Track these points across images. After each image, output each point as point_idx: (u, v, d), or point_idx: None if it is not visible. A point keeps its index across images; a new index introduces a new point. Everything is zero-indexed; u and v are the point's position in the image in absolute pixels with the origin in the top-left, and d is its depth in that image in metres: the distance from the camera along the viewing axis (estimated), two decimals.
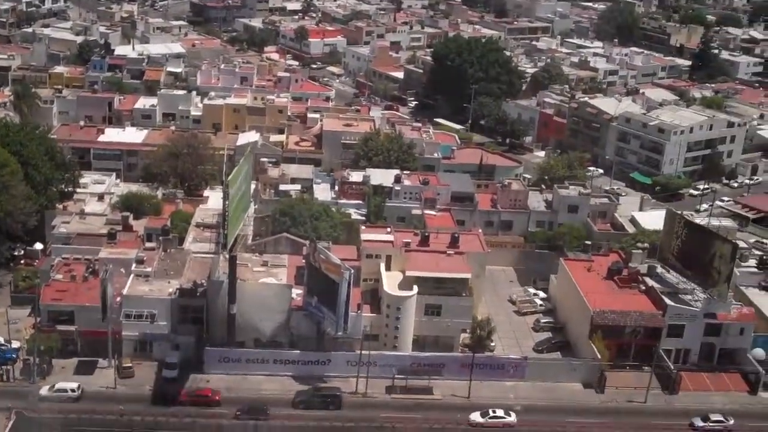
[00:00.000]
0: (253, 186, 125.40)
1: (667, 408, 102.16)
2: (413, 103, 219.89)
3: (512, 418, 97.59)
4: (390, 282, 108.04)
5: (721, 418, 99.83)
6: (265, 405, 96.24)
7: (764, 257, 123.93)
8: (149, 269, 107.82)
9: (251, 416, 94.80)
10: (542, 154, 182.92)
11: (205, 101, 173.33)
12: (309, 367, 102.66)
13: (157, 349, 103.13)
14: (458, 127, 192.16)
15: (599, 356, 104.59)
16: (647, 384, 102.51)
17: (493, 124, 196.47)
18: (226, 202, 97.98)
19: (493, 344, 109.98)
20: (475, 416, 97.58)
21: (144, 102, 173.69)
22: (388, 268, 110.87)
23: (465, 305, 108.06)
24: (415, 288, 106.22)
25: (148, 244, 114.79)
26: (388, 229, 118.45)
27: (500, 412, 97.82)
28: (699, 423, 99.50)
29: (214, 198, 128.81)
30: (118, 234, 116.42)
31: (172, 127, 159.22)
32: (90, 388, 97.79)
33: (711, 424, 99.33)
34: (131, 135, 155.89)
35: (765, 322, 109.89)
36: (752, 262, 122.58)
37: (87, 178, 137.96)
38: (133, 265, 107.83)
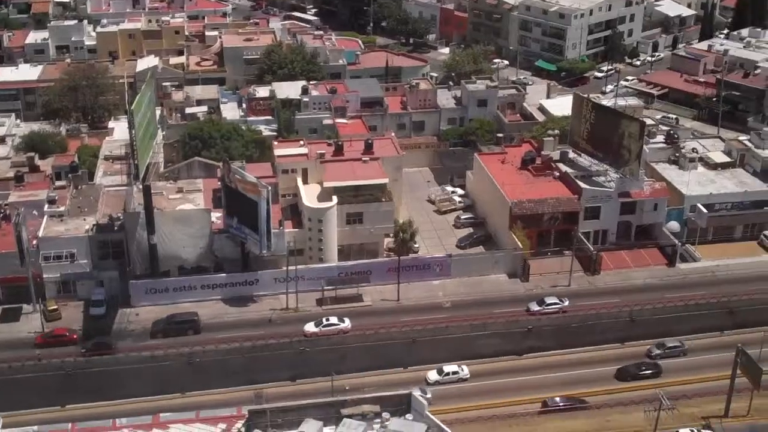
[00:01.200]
0: (158, 112, 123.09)
1: (591, 289, 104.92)
2: (313, 11, 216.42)
3: (346, 324, 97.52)
4: (309, 195, 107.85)
5: (557, 301, 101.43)
6: (111, 340, 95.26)
7: (671, 132, 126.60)
8: (62, 208, 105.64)
9: (98, 352, 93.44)
10: (447, 50, 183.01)
11: (98, 29, 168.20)
12: (237, 289, 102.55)
13: (81, 288, 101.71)
14: (313, 18, 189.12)
15: (521, 246, 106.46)
16: (569, 268, 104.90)
17: (395, 24, 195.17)
18: (133, 132, 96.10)
19: (416, 246, 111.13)
20: (310, 326, 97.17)
21: (35, 36, 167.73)
22: (305, 181, 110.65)
23: (386, 210, 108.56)
24: (335, 198, 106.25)
25: (58, 183, 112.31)
26: (301, 142, 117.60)
27: (333, 320, 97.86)
28: (535, 307, 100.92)
29: (119, 129, 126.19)
30: (26, 175, 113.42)
31: (68, 60, 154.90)
32: (18, 335, 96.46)
33: (546, 307, 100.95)
34: (26, 72, 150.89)
35: (677, 195, 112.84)
36: (660, 137, 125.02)
37: None
38: (46, 206, 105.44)
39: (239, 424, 69.85)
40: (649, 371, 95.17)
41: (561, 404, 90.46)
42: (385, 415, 68.83)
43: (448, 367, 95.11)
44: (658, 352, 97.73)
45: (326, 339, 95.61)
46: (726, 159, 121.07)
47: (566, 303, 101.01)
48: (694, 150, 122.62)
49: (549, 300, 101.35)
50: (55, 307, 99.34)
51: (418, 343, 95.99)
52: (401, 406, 71.08)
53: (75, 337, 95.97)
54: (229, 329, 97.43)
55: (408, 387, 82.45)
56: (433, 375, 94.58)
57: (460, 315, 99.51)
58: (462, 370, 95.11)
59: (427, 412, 69.86)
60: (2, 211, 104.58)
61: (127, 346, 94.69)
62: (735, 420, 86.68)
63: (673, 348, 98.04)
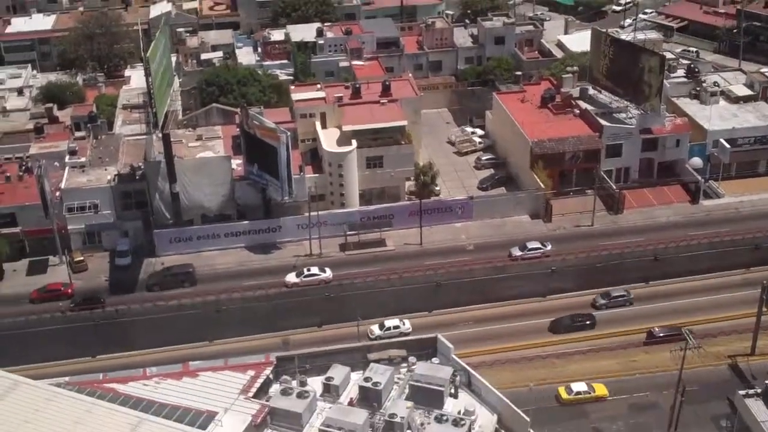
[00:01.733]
0: (174, 59, 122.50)
1: (614, 227, 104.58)
2: None
3: (327, 273, 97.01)
4: (328, 139, 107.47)
5: (539, 245, 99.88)
6: (100, 294, 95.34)
7: (692, 65, 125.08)
8: (83, 159, 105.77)
9: (86, 306, 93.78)
10: None
11: None
12: (261, 236, 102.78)
13: (106, 239, 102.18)
14: None
15: (542, 186, 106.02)
16: (592, 207, 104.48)
17: None
18: (150, 79, 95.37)
19: (438, 188, 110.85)
20: (291, 277, 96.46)
21: None
22: (324, 126, 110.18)
23: (405, 153, 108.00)
24: (354, 142, 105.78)
25: (78, 134, 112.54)
26: (318, 86, 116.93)
27: (314, 270, 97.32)
28: (517, 252, 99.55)
29: (136, 77, 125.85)
30: (45, 127, 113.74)
31: (81, 8, 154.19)
32: None
33: (528, 252, 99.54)
34: (39, 22, 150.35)
35: (699, 130, 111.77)
36: (680, 72, 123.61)
37: (2, 73, 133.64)
38: (67, 157, 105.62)
39: (267, 370, 70.28)
40: (586, 322, 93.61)
41: (662, 335, 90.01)
42: (412, 359, 69.17)
43: (389, 322, 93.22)
44: (603, 302, 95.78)
45: (351, 284, 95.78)
46: (748, 92, 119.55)
47: (549, 247, 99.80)
48: (715, 84, 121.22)
49: (531, 245, 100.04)
50: (81, 258, 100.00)
51: (443, 287, 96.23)
52: (427, 350, 71.37)
53: (70, 291, 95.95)
54: (254, 276, 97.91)
55: (434, 331, 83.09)
56: (376, 329, 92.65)
57: (484, 257, 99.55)
58: (403, 324, 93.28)
59: (454, 356, 70.24)
60: (24, 163, 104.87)
61: (142, 297, 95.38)
62: (762, 358, 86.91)
63: (618, 297, 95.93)
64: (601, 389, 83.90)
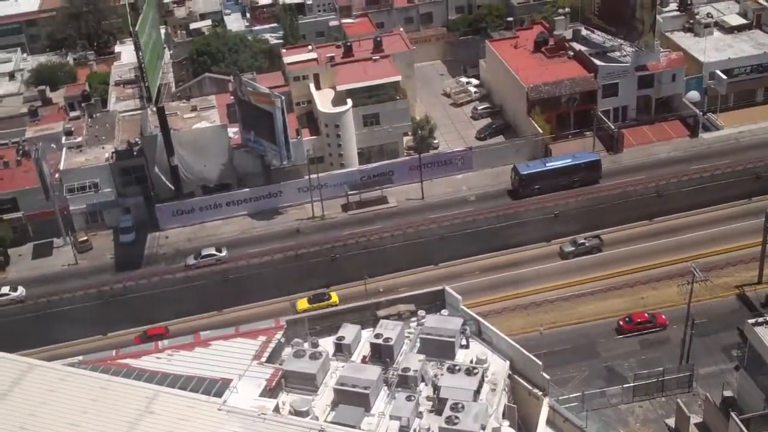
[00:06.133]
0: (162, 31, 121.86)
1: (615, 167, 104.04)
2: None
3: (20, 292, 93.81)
4: (323, 100, 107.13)
5: (213, 252, 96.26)
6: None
7: None
8: (80, 139, 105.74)
9: None
10: None
11: None
12: (262, 202, 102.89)
13: (108, 217, 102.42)
14: None
15: (541, 131, 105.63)
16: (592, 148, 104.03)
17: None
18: (140, 54, 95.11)
19: (436, 141, 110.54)
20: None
21: None
22: (318, 87, 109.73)
23: (401, 108, 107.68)
24: (349, 101, 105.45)
25: (72, 114, 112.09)
26: (310, 47, 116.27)
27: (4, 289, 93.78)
28: (191, 261, 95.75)
29: (126, 52, 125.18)
30: (39, 110, 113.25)
31: None
32: (52, 269, 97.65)
33: (201, 260, 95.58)
34: (25, 4, 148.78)
35: (694, 63, 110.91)
36: (673, 5, 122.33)
37: None
38: (63, 138, 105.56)
39: (279, 334, 70.26)
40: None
41: None
42: (421, 312, 69.08)
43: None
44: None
45: (356, 243, 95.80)
46: (742, 21, 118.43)
47: (224, 254, 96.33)
48: (708, 15, 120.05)
49: (205, 251, 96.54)
50: (85, 237, 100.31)
51: (447, 239, 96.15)
52: (436, 302, 71.40)
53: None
54: (259, 243, 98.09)
55: (440, 283, 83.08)
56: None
57: (486, 207, 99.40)
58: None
59: (462, 306, 70.28)
60: (21, 147, 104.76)
61: (150, 272, 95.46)
62: None
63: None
64: None
